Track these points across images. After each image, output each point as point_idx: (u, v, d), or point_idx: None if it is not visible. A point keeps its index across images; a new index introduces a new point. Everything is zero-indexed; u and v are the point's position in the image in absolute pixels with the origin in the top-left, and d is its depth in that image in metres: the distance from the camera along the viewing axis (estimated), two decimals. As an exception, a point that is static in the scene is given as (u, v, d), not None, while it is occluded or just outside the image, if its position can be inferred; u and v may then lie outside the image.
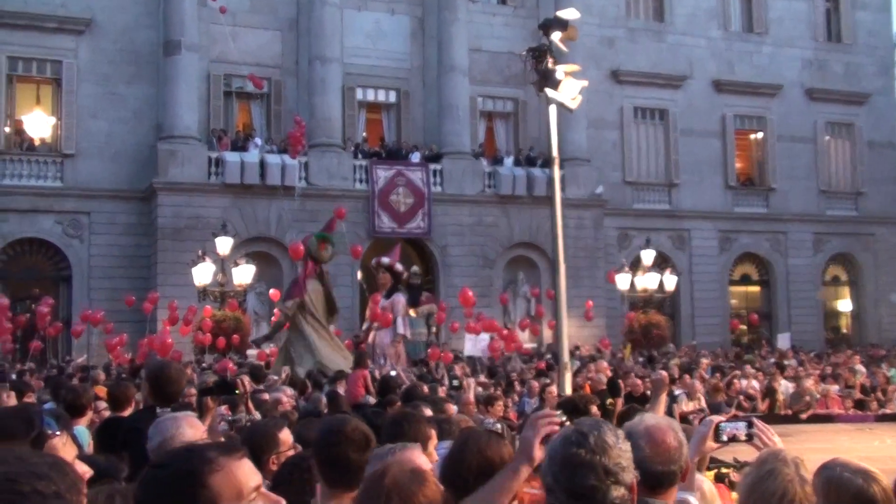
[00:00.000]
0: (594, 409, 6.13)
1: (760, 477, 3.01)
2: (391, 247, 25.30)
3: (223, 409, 6.39)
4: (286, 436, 4.63)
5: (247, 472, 2.06)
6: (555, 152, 11.86)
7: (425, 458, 3.32)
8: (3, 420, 2.69)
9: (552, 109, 11.66)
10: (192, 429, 3.87)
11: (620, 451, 2.56)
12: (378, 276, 23.51)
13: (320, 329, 18.71)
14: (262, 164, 28.74)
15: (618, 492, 2.52)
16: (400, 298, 23.20)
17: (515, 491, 3.17)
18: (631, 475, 2.56)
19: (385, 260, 23.37)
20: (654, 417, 3.19)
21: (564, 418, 3.16)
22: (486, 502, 3.14)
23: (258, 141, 29.95)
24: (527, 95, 32.66)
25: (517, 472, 3.15)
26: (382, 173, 30.37)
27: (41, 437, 3.05)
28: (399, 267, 23.35)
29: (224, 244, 24.51)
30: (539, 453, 3.10)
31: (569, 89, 11.18)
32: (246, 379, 6.13)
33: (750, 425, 3.53)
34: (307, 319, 18.54)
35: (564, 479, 2.53)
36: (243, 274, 24.16)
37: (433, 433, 4.42)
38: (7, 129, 29.21)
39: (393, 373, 12.84)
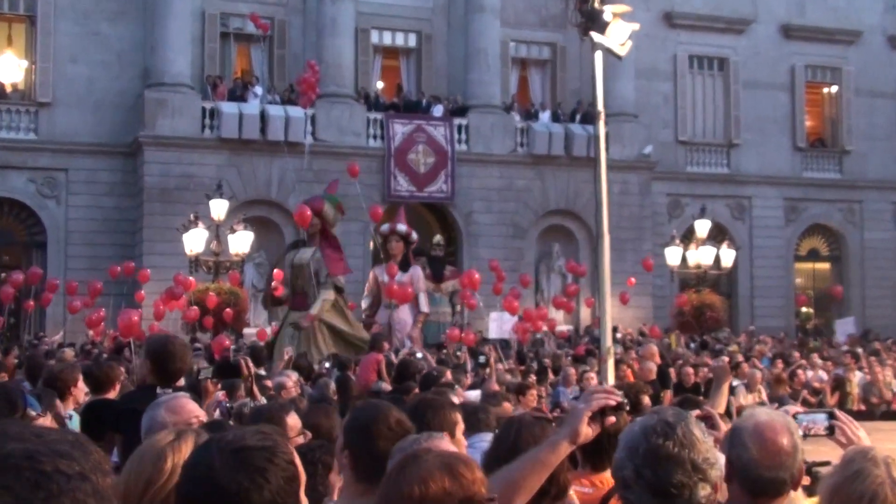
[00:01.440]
0: (646, 399, 6.13)
1: (846, 478, 2.99)
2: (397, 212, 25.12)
3: (220, 394, 6.46)
4: (294, 421, 4.69)
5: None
6: (600, 106, 11.80)
7: (454, 447, 3.36)
8: None
9: (597, 56, 11.58)
10: (173, 415, 3.81)
11: (707, 445, 2.62)
12: (390, 244, 23.49)
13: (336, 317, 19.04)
14: (263, 117, 28.78)
15: (704, 490, 2.58)
16: (419, 272, 23.29)
17: (552, 468, 3.17)
18: (717, 472, 2.61)
19: (401, 227, 23.34)
20: (768, 413, 3.15)
21: (625, 400, 3.17)
22: (513, 477, 3.14)
23: (258, 90, 29.99)
24: (566, 40, 32.48)
25: (556, 447, 3.15)
26: (400, 129, 30.37)
27: (24, 419, 3.10)
28: (414, 235, 23.34)
29: (219, 207, 24.59)
30: (586, 430, 3.12)
31: (617, 33, 11.09)
32: (249, 361, 6.20)
33: (831, 416, 3.49)
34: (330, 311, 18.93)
35: (648, 473, 2.58)
36: (240, 242, 24.25)
37: (459, 418, 4.48)
38: (-26, 74, 29.36)
39: (419, 355, 12.90)
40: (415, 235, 23.51)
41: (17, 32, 30.30)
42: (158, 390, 5.02)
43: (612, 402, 3.14)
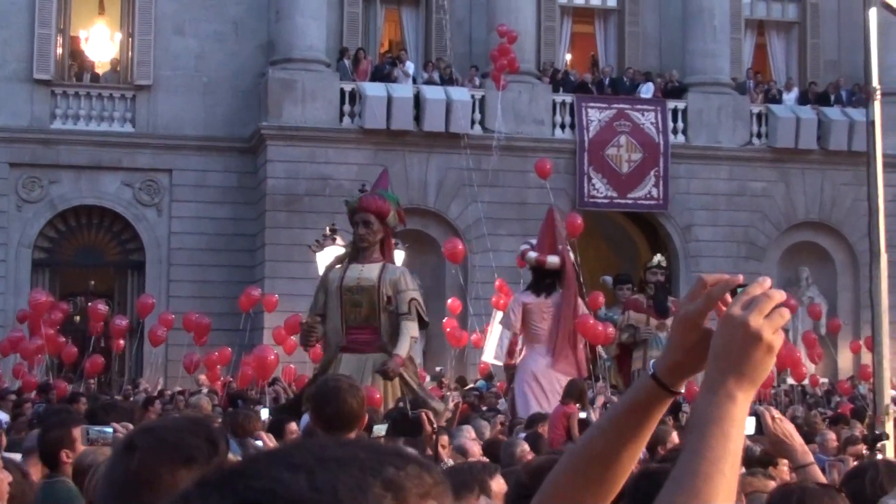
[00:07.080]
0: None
1: None
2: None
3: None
4: (500, 486, 4.86)
5: None
6: (875, 81, 11.67)
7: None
8: (178, 436, 2.93)
9: (871, 14, 11.48)
10: None
11: None
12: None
13: None
14: (418, 101, 29.28)
15: None
16: (515, 301, 20.44)
17: None
18: None
19: (532, 255, 20.36)
20: None
21: None
22: None
23: (410, 66, 30.44)
24: (821, -5, 32.17)
25: None
26: (596, 115, 30.40)
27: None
28: (553, 260, 19.88)
29: (362, 218, 25.05)
30: None
31: (899, -17, 11.00)
32: (431, 415, 6.38)
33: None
34: None
35: None
36: (390, 262, 24.64)
37: None
38: (59, 51, 30.38)
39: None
40: (553, 260, 20.00)
41: (110, -1, 31.45)
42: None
43: None
